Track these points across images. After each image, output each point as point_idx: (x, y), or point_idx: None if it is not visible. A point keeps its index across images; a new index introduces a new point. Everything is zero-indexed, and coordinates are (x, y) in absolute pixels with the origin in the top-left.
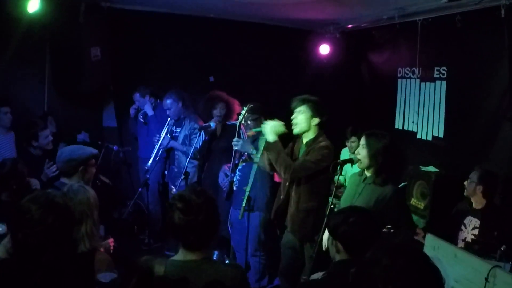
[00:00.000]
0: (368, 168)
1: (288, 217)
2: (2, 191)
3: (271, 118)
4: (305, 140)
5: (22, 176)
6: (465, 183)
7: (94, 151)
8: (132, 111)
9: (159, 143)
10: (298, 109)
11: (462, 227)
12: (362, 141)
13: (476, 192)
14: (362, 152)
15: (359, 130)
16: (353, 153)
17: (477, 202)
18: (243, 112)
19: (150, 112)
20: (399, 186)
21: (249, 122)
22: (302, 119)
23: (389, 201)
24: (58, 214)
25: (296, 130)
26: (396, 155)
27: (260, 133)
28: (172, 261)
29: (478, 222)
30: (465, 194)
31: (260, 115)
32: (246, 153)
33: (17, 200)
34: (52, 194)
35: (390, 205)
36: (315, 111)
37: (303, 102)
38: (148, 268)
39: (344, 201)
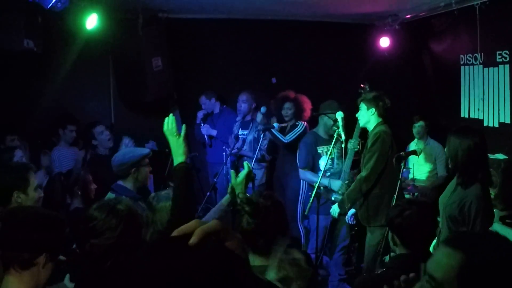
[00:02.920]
0: (452, 168)
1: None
2: (72, 198)
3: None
4: (369, 131)
5: (85, 182)
6: None
7: (145, 151)
8: (200, 114)
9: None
10: (359, 107)
11: None
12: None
13: None
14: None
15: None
16: (420, 138)
17: None
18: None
19: (213, 133)
20: None
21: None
22: (361, 114)
23: (469, 209)
24: (121, 220)
25: (360, 124)
26: (482, 153)
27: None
28: None
29: None
30: None
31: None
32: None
33: (88, 204)
34: (114, 201)
35: (469, 213)
36: (369, 103)
37: (361, 100)
38: None
39: (440, 201)
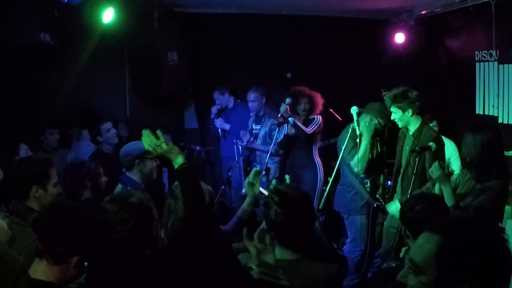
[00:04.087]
0: (467, 164)
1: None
2: (83, 189)
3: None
4: (411, 131)
5: (95, 175)
6: None
7: None
8: (214, 109)
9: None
10: (391, 109)
11: None
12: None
13: None
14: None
15: (436, 115)
16: None
17: None
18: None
19: (226, 127)
20: None
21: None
22: (398, 117)
23: (487, 196)
24: (133, 214)
25: (400, 125)
26: (497, 149)
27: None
28: None
29: None
30: None
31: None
32: None
33: (98, 196)
34: (126, 194)
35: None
36: (404, 105)
37: (391, 102)
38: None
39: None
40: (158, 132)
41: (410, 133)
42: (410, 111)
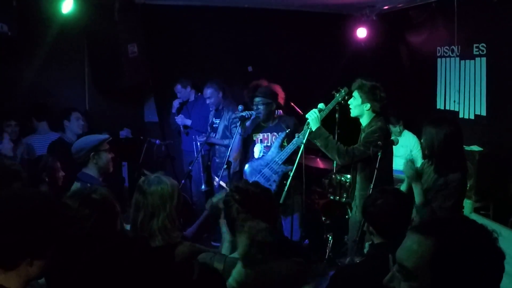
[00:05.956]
0: (428, 157)
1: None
2: (39, 184)
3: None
4: (363, 125)
5: (52, 169)
6: None
7: (103, 137)
8: (175, 103)
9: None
10: (353, 94)
11: None
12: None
13: None
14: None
15: (401, 114)
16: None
17: None
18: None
19: (188, 122)
20: None
21: (259, 107)
22: (354, 105)
23: (449, 190)
24: (94, 210)
25: (351, 113)
26: (457, 142)
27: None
28: (232, 258)
29: None
30: None
31: (272, 100)
32: None
33: (55, 191)
34: (89, 189)
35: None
36: (366, 98)
37: (357, 87)
38: (209, 265)
39: None
40: None
41: (362, 127)
42: (368, 105)
